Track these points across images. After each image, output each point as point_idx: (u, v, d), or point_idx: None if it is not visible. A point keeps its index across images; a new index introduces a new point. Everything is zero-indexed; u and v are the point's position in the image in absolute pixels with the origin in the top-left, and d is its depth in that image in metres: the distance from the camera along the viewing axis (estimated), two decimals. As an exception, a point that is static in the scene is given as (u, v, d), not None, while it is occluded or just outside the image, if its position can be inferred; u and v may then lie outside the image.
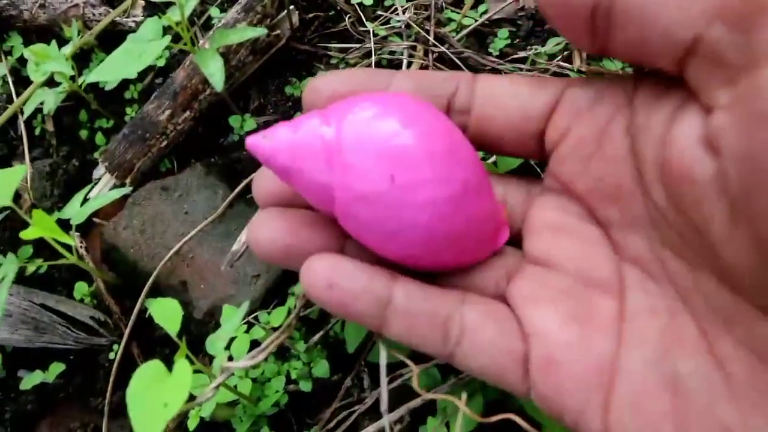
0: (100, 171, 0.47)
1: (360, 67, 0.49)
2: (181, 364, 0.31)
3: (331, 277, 0.26)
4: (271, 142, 0.25)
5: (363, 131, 0.24)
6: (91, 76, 0.36)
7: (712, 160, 0.19)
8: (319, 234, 0.29)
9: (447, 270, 0.29)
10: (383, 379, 0.29)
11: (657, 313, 0.23)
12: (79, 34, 0.45)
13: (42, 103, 0.44)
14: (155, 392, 0.30)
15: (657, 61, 0.21)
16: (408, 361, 0.29)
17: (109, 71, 0.36)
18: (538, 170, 0.41)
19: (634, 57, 0.22)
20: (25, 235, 0.34)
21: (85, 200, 0.41)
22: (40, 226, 0.34)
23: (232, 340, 0.39)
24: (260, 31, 0.37)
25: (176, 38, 0.47)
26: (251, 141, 0.26)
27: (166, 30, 0.39)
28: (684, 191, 0.21)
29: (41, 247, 0.46)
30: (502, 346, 0.26)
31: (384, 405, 0.29)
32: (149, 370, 0.31)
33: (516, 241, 0.31)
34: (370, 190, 0.24)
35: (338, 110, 0.26)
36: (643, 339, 0.23)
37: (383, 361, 0.30)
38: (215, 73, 0.36)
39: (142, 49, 0.36)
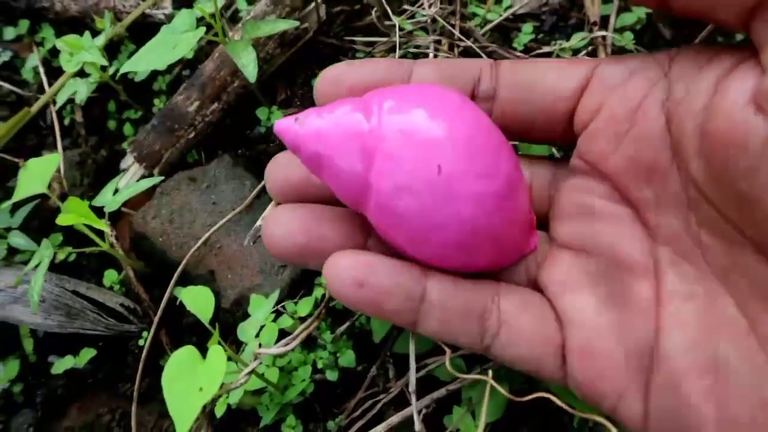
0: (128, 161, 0.48)
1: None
2: (215, 349, 0.31)
3: (360, 275, 0.25)
4: (303, 126, 0.24)
5: (407, 118, 0.24)
6: (125, 66, 0.37)
7: (767, 121, 0.19)
8: (338, 231, 0.27)
9: (472, 272, 0.28)
10: (412, 364, 0.30)
11: (695, 296, 0.23)
12: (110, 26, 0.45)
13: (73, 94, 0.45)
14: (190, 377, 0.31)
15: (722, 13, 0.21)
16: (443, 345, 0.29)
17: (144, 61, 0.37)
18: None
19: (698, 9, 0.22)
20: (61, 221, 0.35)
21: (116, 190, 0.41)
22: (75, 213, 0.35)
23: (259, 329, 0.40)
24: (292, 23, 0.38)
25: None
26: (282, 125, 0.25)
27: (198, 22, 0.39)
28: (732, 160, 0.20)
29: (70, 236, 0.47)
30: (539, 335, 0.26)
31: (412, 386, 0.29)
32: (183, 356, 0.32)
33: (541, 224, 0.30)
34: (414, 180, 0.23)
35: (377, 98, 0.25)
36: (682, 322, 0.23)
37: (412, 348, 0.31)
38: (248, 64, 0.36)
39: (176, 40, 0.36)
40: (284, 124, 0.24)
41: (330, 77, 0.28)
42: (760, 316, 0.21)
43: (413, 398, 0.29)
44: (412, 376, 0.29)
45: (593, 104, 0.26)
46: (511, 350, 0.26)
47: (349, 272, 0.25)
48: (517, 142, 0.39)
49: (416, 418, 0.28)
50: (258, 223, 0.36)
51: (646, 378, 0.23)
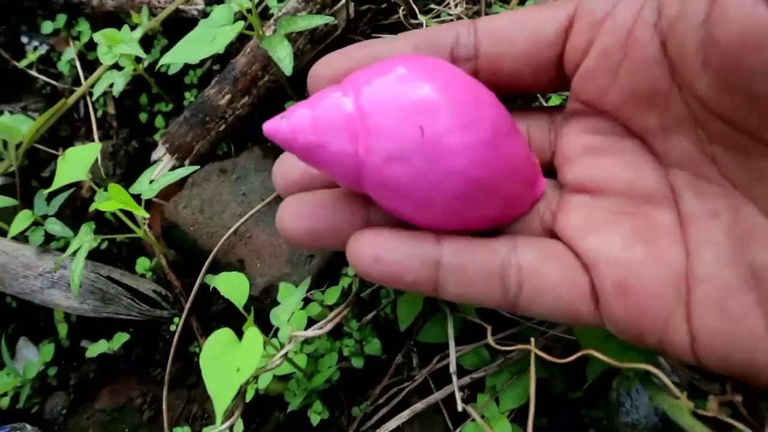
0: (159, 152, 0.49)
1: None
2: (252, 332, 0.32)
3: (376, 252, 0.26)
4: (291, 121, 0.25)
5: (383, 92, 0.24)
6: (165, 58, 0.38)
7: None
8: (341, 211, 0.29)
9: (489, 228, 0.28)
10: (452, 345, 0.30)
11: (718, 212, 0.23)
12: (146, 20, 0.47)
13: (110, 86, 0.46)
14: (228, 358, 0.32)
15: None
16: (483, 323, 0.29)
17: (183, 54, 0.38)
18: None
19: None
20: (103, 206, 0.36)
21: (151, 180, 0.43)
22: (116, 199, 0.36)
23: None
24: (326, 19, 0.39)
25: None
26: (270, 125, 0.25)
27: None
28: (747, 63, 0.19)
29: (100, 225, 0.48)
30: (566, 282, 0.25)
31: (453, 367, 0.30)
32: (221, 338, 0.33)
33: (546, 172, 0.30)
34: (401, 147, 0.24)
35: (354, 78, 0.25)
36: (710, 241, 0.23)
37: (451, 331, 0.31)
38: (284, 57, 0.37)
39: (214, 33, 0.38)
40: (272, 124, 0.25)
41: (313, 74, 0.29)
42: None
43: (455, 378, 0.30)
44: (452, 355, 0.30)
45: (582, 43, 0.26)
46: (539, 302, 0.26)
47: (367, 250, 0.26)
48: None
49: (458, 396, 0.29)
50: None
51: (687, 303, 0.23)
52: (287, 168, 0.31)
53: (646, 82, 0.24)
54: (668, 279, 0.23)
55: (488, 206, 0.26)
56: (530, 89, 0.29)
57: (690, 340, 0.23)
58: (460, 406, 0.29)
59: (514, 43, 0.27)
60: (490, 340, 0.27)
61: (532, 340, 0.26)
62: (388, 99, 0.24)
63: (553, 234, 0.27)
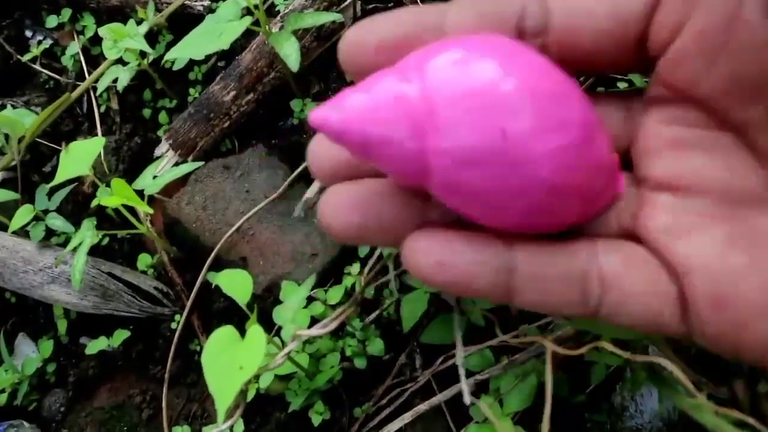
0: (162, 148, 0.49)
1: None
2: (254, 329, 0.32)
3: (440, 257, 0.23)
4: (342, 113, 0.21)
5: (455, 82, 0.21)
6: (171, 53, 0.38)
7: None
8: (394, 204, 0.25)
9: (564, 229, 0.25)
10: (459, 343, 0.30)
11: None
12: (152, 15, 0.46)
13: (114, 81, 0.46)
14: (230, 356, 0.31)
15: None
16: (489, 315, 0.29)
17: (190, 48, 0.38)
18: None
19: None
20: (107, 201, 0.36)
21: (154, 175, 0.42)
22: (119, 195, 0.36)
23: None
24: (335, 16, 0.38)
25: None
26: (317, 116, 0.21)
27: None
28: None
29: (101, 221, 0.48)
30: (652, 291, 0.23)
31: (460, 360, 0.29)
32: (223, 335, 0.32)
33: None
34: (478, 151, 0.21)
35: (415, 62, 0.22)
36: None
37: (457, 325, 0.31)
38: (291, 53, 0.37)
39: (222, 28, 0.37)
40: (320, 115, 0.21)
41: (351, 41, 0.24)
42: None
43: (462, 370, 0.29)
44: (459, 351, 0.30)
45: (671, 22, 0.22)
46: (623, 311, 0.23)
47: (428, 254, 0.24)
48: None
49: (465, 389, 0.29)
50: (305, 196, 0.36)
51: None
52: (327, 149, 0.26)
53: (753, 70, 0.21)
54: None
55: (568, 212, 0.24)
56: (605, 70, 0.26)
57: None
58: (467, 399, 0.28)
59: (593, 15, 0.23)
60: (499, 333, 0.27)
61: (548, 344, 0.26)
62: (462, 91, 0.21)
63: (632, 235, 0.25)
